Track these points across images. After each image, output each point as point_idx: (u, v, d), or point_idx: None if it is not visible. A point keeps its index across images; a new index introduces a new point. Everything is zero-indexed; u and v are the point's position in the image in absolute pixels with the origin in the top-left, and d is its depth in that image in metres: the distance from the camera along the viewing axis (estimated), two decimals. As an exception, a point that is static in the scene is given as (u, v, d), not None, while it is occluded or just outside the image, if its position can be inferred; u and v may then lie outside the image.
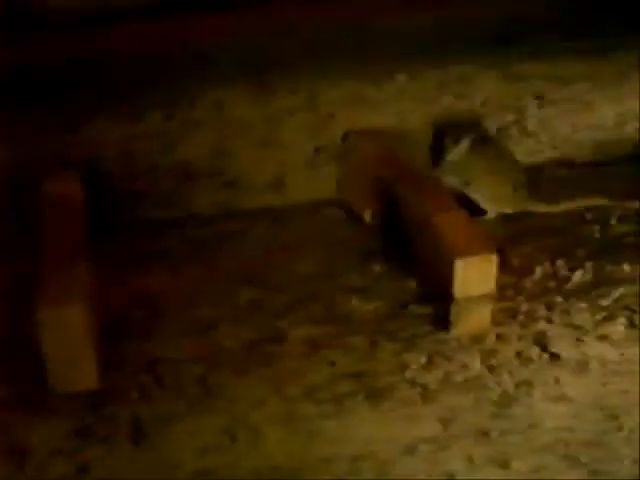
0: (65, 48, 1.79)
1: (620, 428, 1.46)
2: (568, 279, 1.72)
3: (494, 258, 1.54)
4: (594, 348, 1.58)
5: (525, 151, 1.99)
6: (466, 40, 1.90)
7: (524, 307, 1.65)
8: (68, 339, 1.41)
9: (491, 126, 1.95)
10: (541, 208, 1.86)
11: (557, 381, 1.53)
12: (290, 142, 1.89)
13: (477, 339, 1.57)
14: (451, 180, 1.84)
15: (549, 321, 1.63)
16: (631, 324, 1.62)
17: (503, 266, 1.63)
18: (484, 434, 1.47)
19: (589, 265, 1.75)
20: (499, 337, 1.59)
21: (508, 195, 1.85)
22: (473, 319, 1.57)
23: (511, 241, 1.80)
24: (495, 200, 1.84)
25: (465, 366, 1.54)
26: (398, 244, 1.73)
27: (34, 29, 1.79)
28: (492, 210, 1.84)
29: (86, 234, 1.62)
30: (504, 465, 1.41)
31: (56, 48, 1.79)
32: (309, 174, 1.91)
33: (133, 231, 1.82)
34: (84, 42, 1.81)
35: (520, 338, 1.59)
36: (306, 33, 1.88)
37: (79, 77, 1.80)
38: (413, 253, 1.68)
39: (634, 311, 1.65)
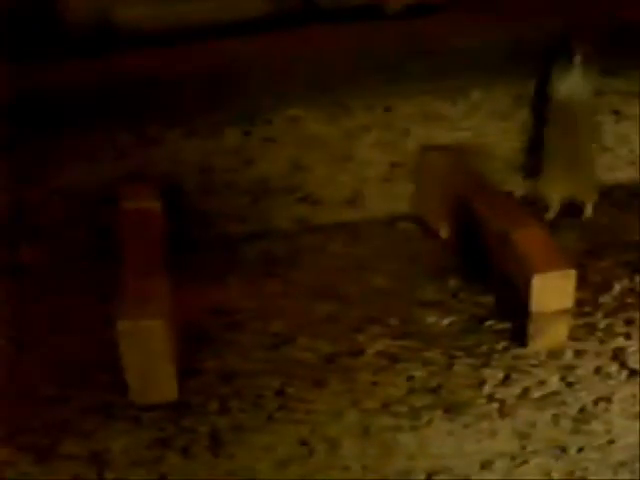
0: (144, 65, 1.82)
1: (700, 445, 1.44)
2: (647, 295, 1.71)
3: (573, 274, 1.53)
4: (674, 364, 1.57)
5: (603, 166, 1.98)
6: (542, 55, 1.89)
7: (602, 323, 1.64)
8: (148, 351, 1.43)
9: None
10: None
11: (636, 397, 1.51)
12: (366, 158, 1.90)
13: (555, 355, 1.57)
14: None
15: (628, 337, 1.62)
16: None
17: (581, 281, 1.61)
18: (562, 450, 1.46)
19: (668, 281, 1.74)
20: (577, 353, 1.58)
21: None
22: (551, 335, 1.56)
23: (590, 256, 1.79)
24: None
25: (543, 382, 1.53)
26: (474, 259, 1.73)
27: (113, 46, 1.82)
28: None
29: (165, 249, 1.64)
30: (581, 482, 1.40)
31: (135, 65, 1.82)
32: (385, 189, 1.92)
33: (211, 246, 1.84)
34: (163, 59, 1.84)
35: (598, 354, 1.58)
36: (381, 51, 1.89)
37: (157, 93, 1.82)
38: (490, 268, 1.68)
39: None
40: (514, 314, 1.59)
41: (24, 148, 1.81)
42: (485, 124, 1.92)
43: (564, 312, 1.55)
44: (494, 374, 1.53)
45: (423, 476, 1.45)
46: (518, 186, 1.93)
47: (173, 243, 1.70)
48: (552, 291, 1.53)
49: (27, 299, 1.71)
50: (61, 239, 1.84)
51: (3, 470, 1.38)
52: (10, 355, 1.58)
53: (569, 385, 1.52)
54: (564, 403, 1.50)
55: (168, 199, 1.80)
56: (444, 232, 1.83)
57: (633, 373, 1.55)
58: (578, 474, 1.41)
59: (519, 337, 1.58)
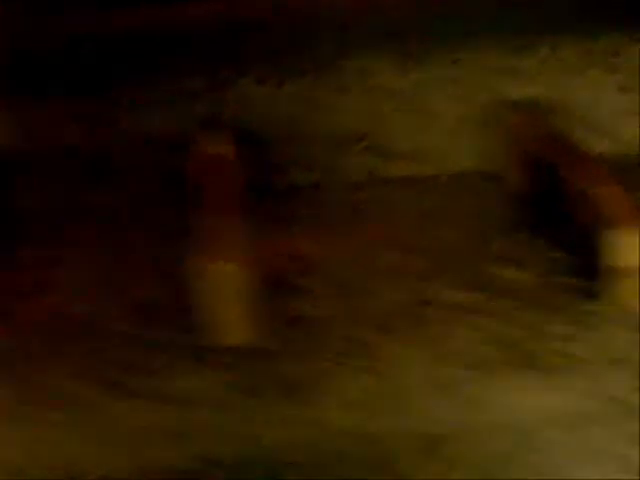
0: (217, 11, 1.83)
1: None
2: None
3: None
4: None
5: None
6: (611, 11, 1.87)
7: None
8: (223, 293, 1.44)
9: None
10: None
11: None
12: (436, 111, 1.90)
13: (626, 311, 1.56)
14: None
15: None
16: None
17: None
18: (630, 409, 1.46)
19: None
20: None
21: None
22: (621, 291, 1.55)
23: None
24: None
25: (612, 337, 1.52)
26: (546, 214, 1.72)
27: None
28: None
29: (239, 194, 1.65)
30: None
31: (209, 11, 1.82)
32: (455, 143, 1.91)
33: (281, 194, 1.85)
34: (235, 5, 1.84)
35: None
36: (452, 3, 1.88)
37: (228, 41, 1.83)
38: (563, 224, 1.67)
39: None
40: (587, 269, 1.58)
41: (98, 92, 1.83)
42: (557, 79, 1.91)
43: (636, 269, 1.54)
44: (564, 329, 1.52)
45: (488, 429, 1.46)
46: (589, 144, 1.92)
47: (246, 190, 1.71)
48: (626, 248, 1.52)
49: (104, 241, 1.73)
50: (134, 182, 1.86)
51: (73, 400, 1.40)
52: (88, 294, 1.60)
53: (638, 343, 1.52)
54: (633, 361, 1.49)
55: (242, 146, 1.81)
56: (517, 187, 1.82)
57: None
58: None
59: (590, 293, 1.57)
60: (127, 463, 1.42)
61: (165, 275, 1.61)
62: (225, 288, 1.44)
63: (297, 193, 1.84)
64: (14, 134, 1.80)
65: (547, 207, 1.71)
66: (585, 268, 1.59)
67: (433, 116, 1.90)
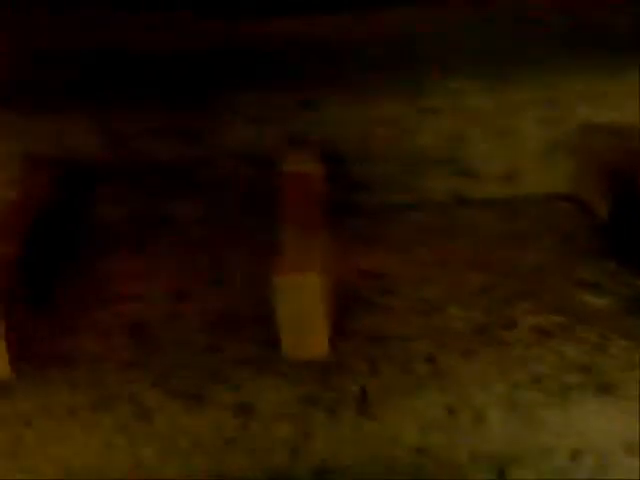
0: (312, 30, 1.84)
1: None
2: None
3: None
4: None
5: None
6: None
7: None
8: (302, 306, 1.44)
9: None
10: None
11: None
12: (526, 133, 1.89)
13: None
14: None
15: None
16: None
17: None
18: None
19: None
20: None
21: None
22: None
23: None
24: None
25: (697, 367, 1.50)
26: (633, 241, 1.70)
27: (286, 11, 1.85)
28: None
29: (324, 211, 1.66)
30: None
31: (304, 29, 1.84)
32: (544, 166, 1.90)
33: (367, 212, 1.85)
34: (332, 25, 1.85)
35: None
36: (548, 25, 1.87)
37: (323, 59, 1.84)
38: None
39: None
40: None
41: (190, 105, 1.85)
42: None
43: None
44: (649, 358, 1.50)
45: (567, 454, 1.44)
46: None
47: (331, 208, 1.72)
48: None
49: (187, 252, 1.76)
50: (222, 197, 1.88)
51: (151, 414, 1.42)
52: (169, 305, 1.62)
53: None
54: None
55: (327, 163, 1.82)
56: (603, 212, 1.80)
57: None
58: None
59: (677, 322, 1.55)
60: (204, 475, 1.43)
61: (246, 288, 1.62)
62: (306, 302, 1.44)
63: (383, 213, 1.85)
64: (101, 144, 1.83)
65: (634, 233, 1.68)
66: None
67: (522, 139, 1.88)
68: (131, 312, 1.60)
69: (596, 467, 1.44)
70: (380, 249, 1.74)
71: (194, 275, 1.68)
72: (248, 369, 1.48)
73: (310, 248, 1.51)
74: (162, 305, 1.61)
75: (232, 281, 1.66)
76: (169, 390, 1.46)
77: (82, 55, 1.86)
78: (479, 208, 1.86)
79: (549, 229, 1.79)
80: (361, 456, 1.44)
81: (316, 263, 1.47)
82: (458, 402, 1.44)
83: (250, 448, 1.43)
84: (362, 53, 1.86)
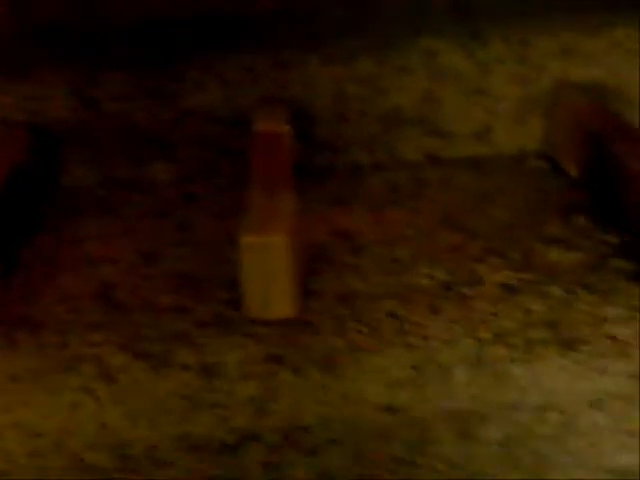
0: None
1: None
2: None
3: None
4: None
5: None
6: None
7: None
8: (269, 267, 1.43)
9: None
10: None
11: None
12: (499, 92, 1.88)
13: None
14: None
15: None
16: None
17: None
18: (680, 395, 1.43)
19: None
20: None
21: None
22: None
23: None
24: None
25: (664, 322, 1.49)
26: (603, 198, 1.69)
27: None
28: None
29: (292, 171, 1.65)
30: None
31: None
32: (516, 125, 1.89)
33: (339, 172, 1.85)
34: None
35: None
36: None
37: (292, 18, 1.83)
38: (618, 207, 1.64)
39: None
40: (639, 253, 1.55)
41: (162, 68, 1.84)
42: (625, 62, 1.87)
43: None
44: (615, 313, 1.50)
45: (532, 411, 1.44)
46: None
47: (302, 167, 1.71)
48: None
49: (157, 215, 1.75)
50: (193, 158, 1.87)
51: (117, 375, 1.42)
52: (135, 266, 1.61)
53: (693, 328, 1.48)
54: (686, 347, 1.46)
55: (299, 124, 1.81)
56: (574, 170, 1.80)
57: None
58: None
59: (643, 276, 1.54)
60: (170, 435, 1.43)
61: (214, 249, 1.61)
62: (272, 262, 1.44)
63: (355, 173, 1.84)
64: (73, 108, 1.82)
65: (604, 190, 1.68)
66: (638, 251, 1.56)
67: (494, 97, 1.87)
68: (98, 275, 1.59)
69: (561, 423, 1.44)
70: (351, 209, 1.74)
71: (162, 237, 1.67)
72: (213, 330, 1.47)
73: (278, 209, 1.50)
74: (129, 268, 1.61)
75: (200, 243, 1.65)
76: (135, 352, 1.46)
77: (53, 21, 1.85)
78: (451, 167, 1.85)
79: (520, 187, 1.78)
80: (327, 415, 1.44)
81: (283, 224, 1.46)
82: (424, 359, 1.44)
83: (215, 408, 1.43)
84: (332, 13, 1.84)
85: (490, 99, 1.87)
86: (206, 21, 1.83)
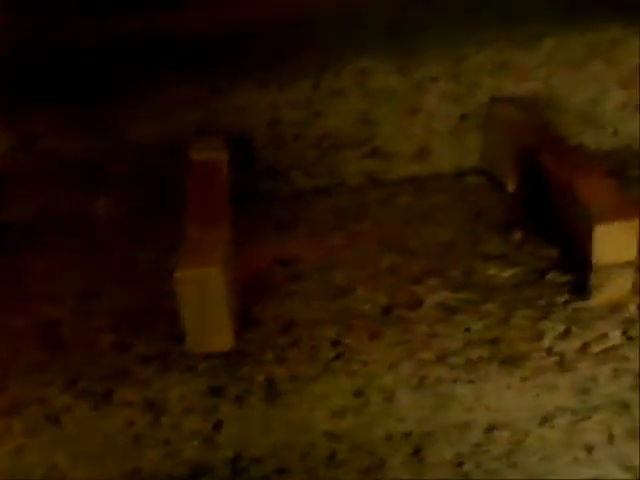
0: (213, 16, 1.83)
1: None
2: None
3: (635, 225, 1.50)
4: None
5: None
6: (614, 3, 1.85)
7: (670, 277, 1.60)
8: (204, 300, 1.43)
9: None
10: None
11: (701, 353, 1.48)
12: (435, 110, 1.88)
13: (617, 308, 1.53)
14: None
15: (695, 292, 1.58)
16: None
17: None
18: (624, 406, 1.44)
19: None
20: (641, 307, 1.55)
21: None
22: (613, 288, 1.53)
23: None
24: None
25: (604, 336, 1.50)
26: (540, 212, 1.70)
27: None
28: None
29: (229, 199, 1.64)
30: (645, 438, 1.38)
31: (204, 16, 1.82)
32: (454, 142, 1.90)
33: (277, 198, 1.84)
34: (232, 10, 1.84)
35: (663, 308, 1.55)
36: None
37: (226, 45, 1.83)
38: (554, 221, 1.65)
39: None
40: (576, 266, 1.56)
41: (96, 100, 1.83)
42: (559, 74, 1.89)
43: (627, 264, 1.51)
44: (554, 327, 1.50)
45: (482, 429, 1.45)
46: (589, 139, 1.90)
47: (240, 196, 1.71)
48: (615, 242, 1.50)
49: (97, 250, 1.74)
50: (132, 191, 1.86)
51: (61, 415, 1.41)
52: (72, 303, 1.60)
53: (631, 339, 1.49)
54: (626, 358, 1.47)
55: (236, 151, 1.80)
56: (511, 185, 1.81)
57: (699, 328, 1.51)
58: (642, 431, 1.39)
59: (581, 290, 1.55)
60: (119, 472, 1.43)
61: (153, 284, 1.60)
62: (208, 295, 1.43)
63: (296, 198, 1.84)
64: (9, 145, 1.81)
65: (540, 204, 1.69)
66: (576, 264, 1.57)
67: (432, 116, 1.88)
68: (39, 314, 1.58)
69: (511, 440, 1.45)
70: (292, 235, 1.74)
71: (103, 273, 1.66)
72: (155, 366, 1.47)
73: (214, 240, 1.50)
74: (70, 305, 1.60)
75: (141, 277, 1.64)
76: (78, 392, 1.45)
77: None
78: (392, 188, 1.85)
79: (459, 205, 1.79)
80: (274, 444, 1.44)
81: (218, 256, 1.46)
82: (366, 384, 1.44)
83: (162, 443, 1.43)
84: (266, 37, 1.84)
85: (426, 118, 1.87)
86: (139, 51, 1.83)
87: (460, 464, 1.45)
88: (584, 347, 1.48)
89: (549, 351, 1.48)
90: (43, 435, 1.42)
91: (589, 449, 1.46)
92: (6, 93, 1.83)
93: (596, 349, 1.48)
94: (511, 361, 1.46)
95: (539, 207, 1.70)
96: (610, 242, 1.50)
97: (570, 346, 1.49)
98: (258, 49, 1.85)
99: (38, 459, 1.43)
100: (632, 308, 1.54)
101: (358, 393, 1.44)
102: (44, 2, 1.79)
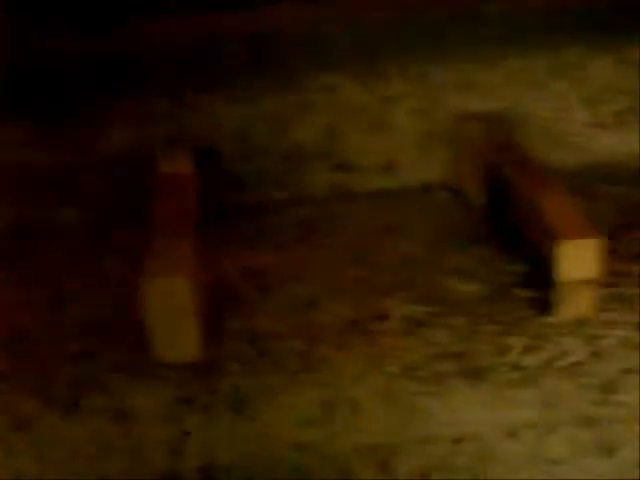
0: (181, 31, 1.84)
1: None
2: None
3: (598, 243, 1.52)
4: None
5: (641, 139, 1.96)
6: (578, 25, 1.88)
7: (630, 293, 1.63)
8: (171, 310, 1.44)
9: (607, 111, 1.93)
10: None
11: (662, 369, 1.50)
12: (401, 126, 1.90)
13: (581, 324, 1.55)
14: None
15: (656, 308, 1.60)
16: None
17: (612, 252, 1.60)
18: (588, 420, 1.45)
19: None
20: (604, 323, 1.57)
21: None
22: (576, 304, 1.55)
23: (624, 228, 1.77)
24: None
25: (568, 351, 1.52)
26: (506, 228, 1.72)
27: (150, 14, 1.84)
28: None
29: (196, 212, 1.65)
30: (609, 453, 1.39)
31: (172, 31, 1.83)
32: (420, 157, 1.92)
33: (245, 211, 1.85)
34: (201, 25, 1.85)
35: (625, 324, 1.57)
36: (418, 18, 1.89)
37: (194, 59, 1.84)
38: (519, 236, 1.67)
39: None
40: (540, 282, 1.58)
41: (64, 113, 1.83)
42: (523, 92, 1.91)
43: (589, 281, 1.54)
44: (519, 342, 1.52)
45: (449, 442, 1.46)
46: (554, 157, 1.92)
47: (208, 208, 1.71)
48: (577, 260, 1.52)
49: (62, 259, 1.74)
50: (100, 202, 1.86)
51: (29, 423, 1.41)
52: (41, 311, 1.60)
53: (594, 355, 1.51)
54: (590, 373, 1.49)
55: (204, 164, 1.81)
56: (477, 200, 1.83)
57: (660, 344, 1.54)
58: (605, 445, 1.40)
59: (545, 306, 1.57)
60: (87, 480, 1.42)
61: (121, 293, 1.61)
62: (174, 305, 1.44)
63: (263, 210, 1.85)
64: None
65: (505, 219, 1.71)
66: (540, 280, 1.59)
67: (396, 131, 1.89)
68: (7, 321, 1.58)
69: (477, 453, 1.45)
70: (259, 247, 1.75)
71: (71, 282, 1.66)
72: (123, 374, 1.47)
73: (180, 251, 1.51)
74: (38, 314, 1.59)
75: (109, 286, 1.65)
76: (46, 399, 1.45)
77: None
78: (358, 201, 1.87)
79: (425, 219, 1.81)
80: (241, 455, 1.44)
81: (185, 266, 1.46)
82: (333, 396, 1.45)
83: (130, 452, 1.43)
84: (235, 51, 1.85)
85: (393, 133, 1.89)
86: (107, 64, 1.83)
87: (427, 476, 1.46)
88: (549, 362, 1.50)
89: (514, 366, 1.49)
90: (10, 442, 1.41)
91: (554, 463, 1.47)
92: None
93: (561, 364, 1.50)
94: (477, 375, 1.48)
95: (504, 223, 1.72)
96: (573, 259, 1.52)
97: (535, 361, 1.50)
98: (227, 63, 1.86)
99: (6, 466, 1.42)
100: (595, 324, 1.56)
101: (325, 404, 1.45)
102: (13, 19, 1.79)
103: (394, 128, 1.89)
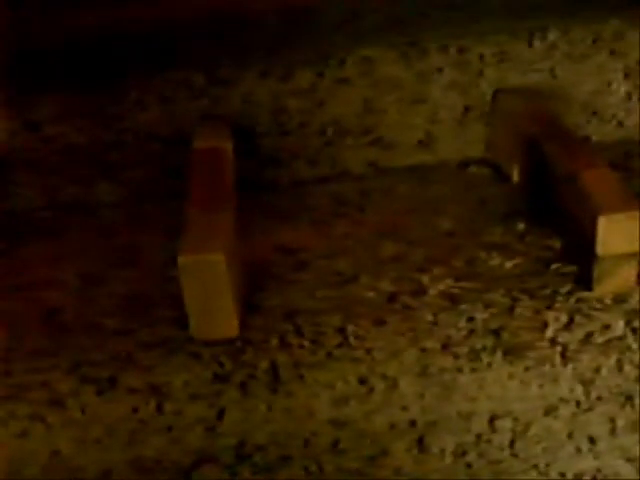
0: (216, 4, 1.83)
1: None
2: None
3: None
4: None
5: None
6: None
7: (674, 268, 1.60)
8: (208, 286, 1.43)
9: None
10: None
11: None
12: (439, 100, 1.88)
13: (621, 299, 1.53)
14: None
15: (700, 283, 1.58)
16: None
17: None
18: (627, 397, 1.44)
19: None
20: (645, 298, 1.55)
21: None
22: (617, 278, 1.53)
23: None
24: None
25: (607, 326, 1.50)
26: (544, 202, 1.70)
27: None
28: None
29: (233, 188, 1.64)
30: (648, 431, 1.38)
31: (207, 3, 1.82)
32: (458, 132, 1.90)
33: (281, 187, 1.84)
34: (231, 2, 1.84)
35: (667, 300, 1.55)
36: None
37: (230, 33, 1.83)
38: (558, 211, 1.65)
39: None
40: (579, 257, 1.56)
41: (99, 87, 1.83)
42: (562, 65, 1.89)
43: (631, 255, 1.51)
44: (557, 317, 1.51)
45: (485, 419, 1.45)
46: (594, 130, 1.90)
47: (244, 184, 1.71)
48: (618, 233, 1.50)
49: (98, 235, 1.74)
50: (136, 178, 1.86)
51: (65, 401, 1.41)
52: (78, 289, 1.60)
53: (634, 331, 1.49)
54: (629, 349, 1.47)
55: (240, 140, 1.80)
56: (515, 175, 1.81)
57: (702, 320, 1.51)
58: (645, 423, 1.39)
59: (584, 280, 1.55)
60: (123, 459, 1.43)
61: (158, 270, 1.61)
62: (211, 281, 1.43)
63: (298, 187, 1.84)
64: (12, 131, 1.81)
65: (544, 194, 1.69)
66: (580, 255, 1.57)
67: (437, 106, 1.88)
68: (42, 299, 1.58)
69: (515, 430, 1.45)
70: (294, 224, 1.74)
71: (107, 259, 1.66)
72: (159, 351, 1.47)
73: (216, 227, 1.50)
74: (73, 291, 1.60)
75: (145, 263, 1.65)
76: (82, 376, 1.45)
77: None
78: (395, 177, 1.85)
79: (463, 195, 1.79)
80: (277, 432, 1.44)
81: (221, 242, 1.45)
82: (370, 372, 1.45)
83: (166, 430, 1.43)
84: (267, 26, 1.84)
85: (431, 107, 1.87)
86: (140, 38, 1.83)
87: (463, 453, 1.46)
88: (587, 338, 1.48)
89: (552, 341, 1.48)
90: (47, 420, 1.42)
91: (592, 440, 1.47)
92: (8, 79, 1.83)
93: (599, 340, 1.48)
94: (514, 351, 1.46)
95: (543, 198, 1.70)
96: (614, 233, 1.50)
97: (573, 337, 1.49)
98: (262, 38, 1.85)
99: (42, 444, 1.43)
100: (635, 299, 1.54)
101: (362, 381, 1.44)
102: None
103: (432, 102, 1.87)
